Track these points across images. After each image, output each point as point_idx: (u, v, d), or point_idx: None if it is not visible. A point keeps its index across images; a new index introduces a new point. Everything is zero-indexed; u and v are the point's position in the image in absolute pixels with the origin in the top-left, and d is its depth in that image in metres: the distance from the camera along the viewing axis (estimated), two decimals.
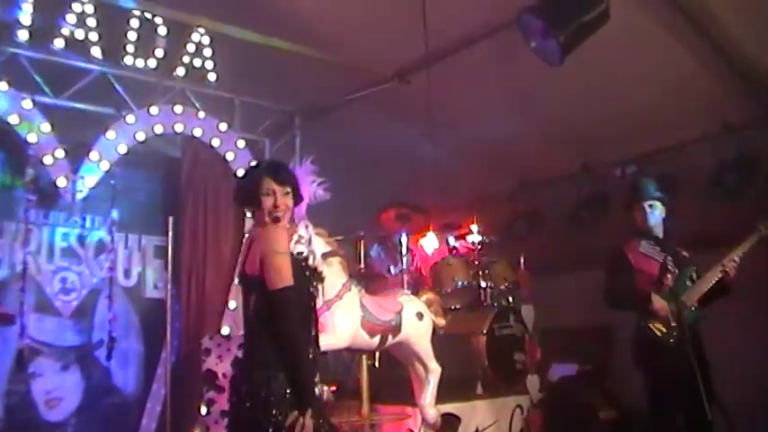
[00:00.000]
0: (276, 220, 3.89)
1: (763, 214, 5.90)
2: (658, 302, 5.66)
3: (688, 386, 5.16)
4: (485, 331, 7.72)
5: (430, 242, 9.13)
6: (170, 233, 7.19)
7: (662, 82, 7.32)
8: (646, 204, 6.00)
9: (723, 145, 7.79)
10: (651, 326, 5.73)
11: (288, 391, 3.65)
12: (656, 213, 6.00)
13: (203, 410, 6.96)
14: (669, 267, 5.72)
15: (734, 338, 7.13)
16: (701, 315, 5.80)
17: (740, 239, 5.84)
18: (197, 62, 7.94)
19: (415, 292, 7.02)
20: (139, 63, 7.60)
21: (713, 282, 5.76)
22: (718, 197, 7.75)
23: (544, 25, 6.01)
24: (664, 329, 5.67)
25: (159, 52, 7.69)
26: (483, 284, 8.20)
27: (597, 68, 7.14)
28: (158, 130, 7.70)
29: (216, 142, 8.09)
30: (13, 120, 6.84)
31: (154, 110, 7.67)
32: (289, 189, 3.94)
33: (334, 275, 5.66)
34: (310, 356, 3.84)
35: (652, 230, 5.99)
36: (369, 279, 7.81)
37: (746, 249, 5.77)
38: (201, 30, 7.85)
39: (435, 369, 6.33)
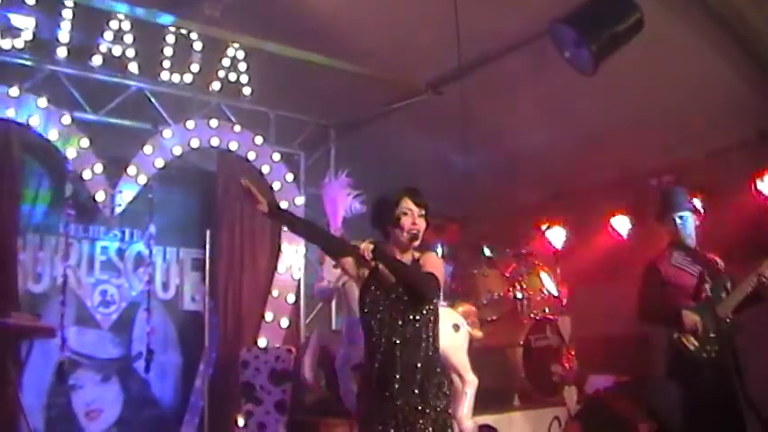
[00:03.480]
0: (414, 238, 4.13)
1: None
2: (689, 318, 5.56)
3: (726, 398, 5.10)
4: (521, 343, 7.68)
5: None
6: (207, 246, 7.24)
7: (698, 90, 7.25)
8: (676, 216, 5.93)
9: (760, 152, 7.71)
10: (684, 340, 5.65)
11: None
12: (687, 224, 5.92)
13: (241, 422, 6.99)
14: (707, 279, 5.65)
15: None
16: (738, 326, 5.72)
17: None
18: (232, 77, 8.03)
19: (452, 304, 7.01)
20: (175, 78, 7.71)
21: (748, 291, 5.66)
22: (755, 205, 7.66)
23: (577, 35, 5.98)
24: (697, 344, 5.59)
25: (195, 67, 7.78)
26: (519, 296, 8.16)
27: (632, 77, 7.09)
28: (194, 144, 7.80)
29: (251, 156, 8.16)
30: (52, 136, 6.98)
31: (190, 124, 7.76)
32: (423, 212, 4.17)
33: None
34: None
35: (684, 241, 5.91)
36: None
37: None
38: (236, 45, 7.94)
39: (472, 381, 6.30)
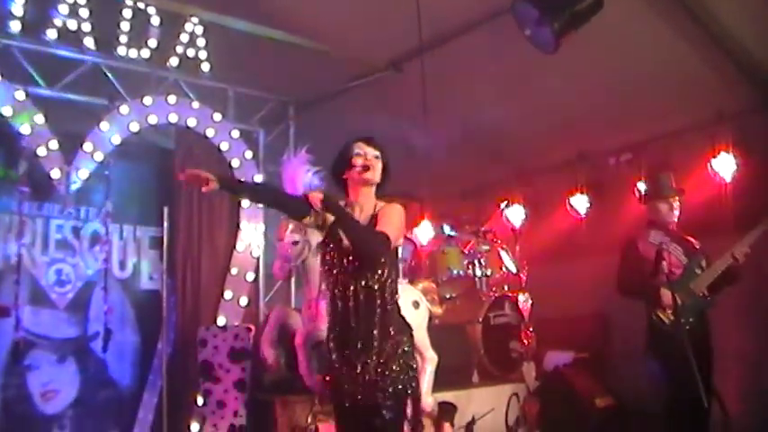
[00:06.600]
0: (365, 169, 4.04)
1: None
2: (667, 297, 5.69)
3: (687, 373, 5.19)
4: (480, 320, 7.74)
5: (424, 231, 9.15)
6: (165, 224, 7.16)
7: (656, 70, 7.30)
8: (662, 201, 6.11)
9: (717, 132, 7.79)
10: (660, 315, 5.80)
11: None
12: (672, 208, 6.10)
13: (200, 401, 6.97)
14: (664, 254, 5.73)
15: (733, 328, 7.14)
16: (710, 302, 5.86)
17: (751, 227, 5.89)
18: (190, 52, 7.94)
19: (412, 281, 7.02)
20: (133, 53, 7.60)
21: (722, 270, 5.84)
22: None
23: (538, 13, 5.98)
24: (672, 318, 5.71)
25: (152, 42, 7.68)
26: (478, 273, 8.20)
27: (592, 57, 7.13)
28: (152, 120, 7.68)
29: (210, 132, 8.07)
30: (6, 111, 6.83)
31: (147, 100, 7.65)
32: (378, 153, 4.12)
33: None
34: None
35: (665, 222, 6.09)
36: None
37: (756, 237, 5.83)
38: (195, 19, 7.83)
39: (432, 358, 6.33)
